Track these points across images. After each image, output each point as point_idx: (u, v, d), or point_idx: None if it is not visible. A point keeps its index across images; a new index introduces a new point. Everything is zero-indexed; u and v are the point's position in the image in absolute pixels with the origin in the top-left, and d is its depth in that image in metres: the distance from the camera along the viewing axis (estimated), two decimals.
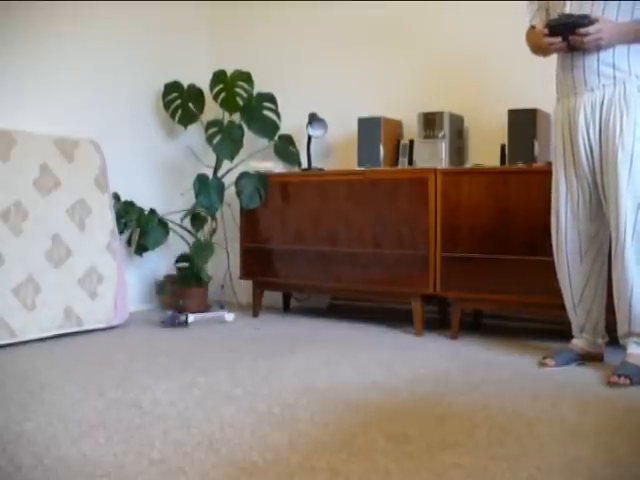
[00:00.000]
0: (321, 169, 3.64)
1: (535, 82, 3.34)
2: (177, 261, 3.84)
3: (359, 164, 3.48)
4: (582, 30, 2.36)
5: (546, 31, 2.46)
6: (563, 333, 3.20)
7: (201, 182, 3.65)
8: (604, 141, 2.43)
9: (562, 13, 2.45)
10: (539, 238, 2.87)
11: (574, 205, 2.55)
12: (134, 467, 1.60)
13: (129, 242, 3.75)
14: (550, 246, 2.66)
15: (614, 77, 2.41)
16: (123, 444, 1.75)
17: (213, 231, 3.90)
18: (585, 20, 2.37)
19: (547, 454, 1.68)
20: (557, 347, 2.74)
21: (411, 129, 3.49)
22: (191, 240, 3.91)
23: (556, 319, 3.34)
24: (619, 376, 2.35)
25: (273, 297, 3.94)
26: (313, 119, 3.72)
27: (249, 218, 3.68)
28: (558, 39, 2.44)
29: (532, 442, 1.77)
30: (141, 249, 3.75)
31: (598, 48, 2.40)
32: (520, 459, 1.65)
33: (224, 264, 4.03)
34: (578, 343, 2.68)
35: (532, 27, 2.68)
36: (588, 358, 2.65)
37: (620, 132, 2.38)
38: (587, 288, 2.60)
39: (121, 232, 3.62)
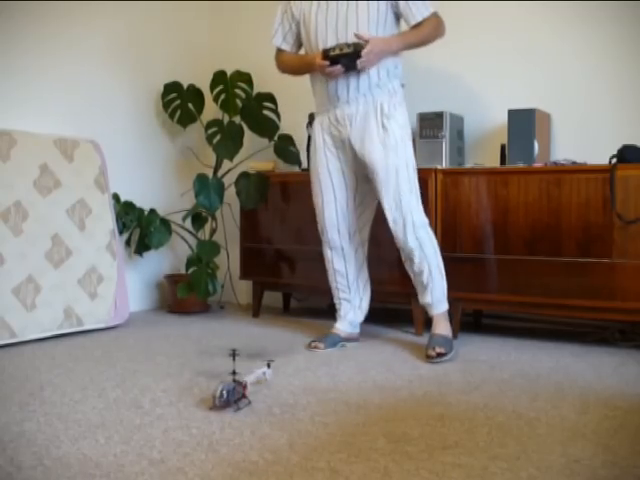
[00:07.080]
0: None
1: (535, 82, 3.35)
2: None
3: None
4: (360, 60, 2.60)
5: (327, 63, 2.63)
6: (563, 333, 3.20)
7: (201, 182, 3.65)
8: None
9: (339, 44, 2.63)
10: (539, 238, 2.88)
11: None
12: (134, 467, 1.60)
13: (129, 242, 3.75)
14: (549, 245, 2.65)
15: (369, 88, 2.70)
16: (123, 444, 1.75)
17: (213, 231, 3.89)
18: (361, 48, 2.57)
19: (547, 454, 1.68)
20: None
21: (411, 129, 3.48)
22: (190, 240, 3.91)
23: (556, 319, 3.35)
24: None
25: (273, 297, 3.94)
26: (313, 119, 3.70)
27: (249, 218, 3.67)
28: (338, 67, 2.63)
29: (532, 442, 1.77)
30: (141, 249, 3.74)
31: (371, 66, 2.67)
32: (520, 459, 1.65)
33: (224, 264, 4.02)
34: (341, 327, 2.99)
35: (280, 50, 2.94)
36: (350, 340, 2.97)
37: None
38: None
39: (121, 232, 3.62)
